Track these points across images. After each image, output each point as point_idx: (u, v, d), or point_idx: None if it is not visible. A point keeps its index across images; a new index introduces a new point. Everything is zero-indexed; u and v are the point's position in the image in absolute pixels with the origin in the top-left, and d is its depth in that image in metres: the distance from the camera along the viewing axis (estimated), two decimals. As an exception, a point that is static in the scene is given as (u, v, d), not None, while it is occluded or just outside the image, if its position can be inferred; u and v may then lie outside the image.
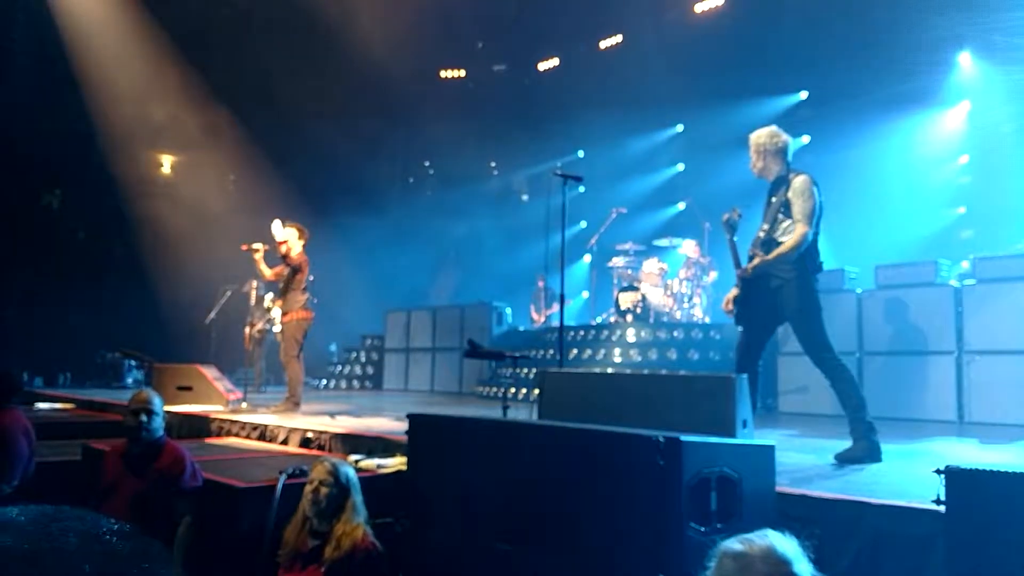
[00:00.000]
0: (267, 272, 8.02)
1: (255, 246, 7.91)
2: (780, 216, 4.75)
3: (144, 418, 4.32)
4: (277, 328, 11.06)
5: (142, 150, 14.34)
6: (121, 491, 4.25)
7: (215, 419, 7.19)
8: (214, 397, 8.15)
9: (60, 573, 0.72)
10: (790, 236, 4.66)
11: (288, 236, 7.71)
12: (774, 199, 4.82)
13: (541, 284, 12.94)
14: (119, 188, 13.89)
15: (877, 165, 10.87)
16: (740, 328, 4.94)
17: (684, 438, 2.89)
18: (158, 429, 4.37)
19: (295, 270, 7.78)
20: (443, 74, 14.96)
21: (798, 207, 4.65)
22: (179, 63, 13.44)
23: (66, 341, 12.62)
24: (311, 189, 14.73)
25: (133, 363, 12.12)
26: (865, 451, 4.35)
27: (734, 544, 1.71)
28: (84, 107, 13.17)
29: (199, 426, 7.27)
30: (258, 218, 14.40)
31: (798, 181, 4.71)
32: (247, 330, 11.40)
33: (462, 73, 14.89)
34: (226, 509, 4.37)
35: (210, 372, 8.44)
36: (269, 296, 11.49)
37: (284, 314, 7.87)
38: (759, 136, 4.94)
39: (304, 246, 7.89)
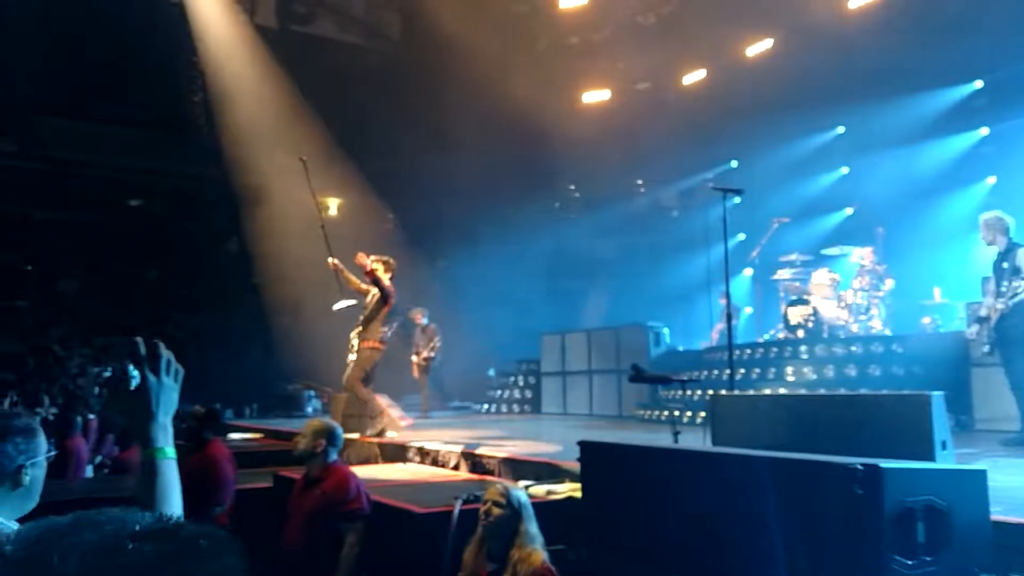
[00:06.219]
0: (354, 280, 7.97)
1: (338, 263, 7.96)
2: (1013, 277, 6.34)
3: (311, 443, 4.57)
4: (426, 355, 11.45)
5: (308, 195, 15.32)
6: (296, 512, 4.52)
7: (389, 445, 7.50)
8: (389, 424, 8.49)
9: None
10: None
11: (376, 267, 7.71)
12: (1005, 264, 6.43)
13: (723, 301, 12.58)
14: (289, 232, 14.91)
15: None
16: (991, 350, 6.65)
17: (884, 465, 2.69)
18: (328, 454, 4.59)
19: (385, 299, 7.75)
20: (586, 98, 15.02)
21: None
22: (324, 109, 14.23)
23: (251, 375, 13.67)
24: (463, 221, 15.22)
25: (312, 394, 12.93)
26: None
27: None
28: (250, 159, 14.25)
29: (374, 451, 7.62)
30: (414, 250, 15.10)
31: (1022, 251, 6.38)
32: (414, 359, 11.89)
33: (605, 95, 14.88)
34: (405, 533, 4.52)
35: (384, 400, 8.80)
36: (432, 326, 11.95)
37: (362, 340, 7.82)
38: (990, 216, 6.65)
39: (391, 279, 7.84)
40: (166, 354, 1.57)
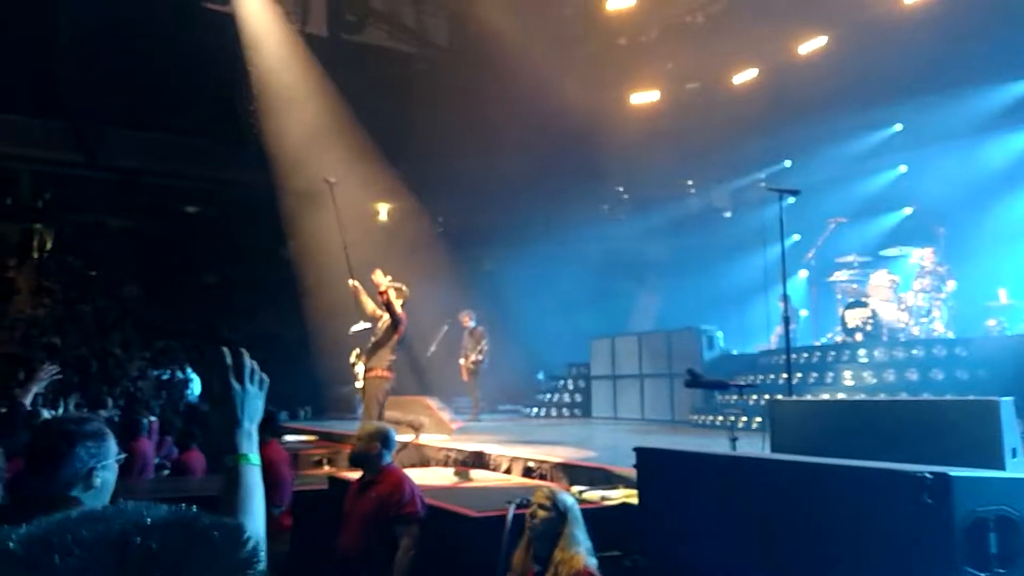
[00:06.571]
0: (369, 304, 7.75)
1: (357, 284, 7.76)
2: None
3: (366, 446, 4.61)
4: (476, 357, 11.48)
5: (362, 200, 15.55)
6: (352, 515, 4.56)
7: (441, 448, 7.55)
8: (439, 427, 8.56)
9: None
10: None
11: (389, 289, 7.40)
12: None
13: (782, 304, 12.39)
14: (340, 235, 15.11)
15: None
16: None
17: (953, 473, 2.61)
18: (382, 457, 4.62)
19: (396, 325, 7.50)
20: (634, 99, 14.92)
21: None
22: (373, 116, 14.35)
23: (305, 378, 13.88)
24: (511, 223, 15.24)
25: (364, 396, 13.07)
26: None
27: None
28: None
29: (427, 455, 7.68)
30: (462, 253, 15.17)
31: None
32: (461, 362, 11.95)
33: (654, 96, 14.75)
34: (460, 537, 4.54)
35: (434, 403, 8.88)
36: (480, 329, 11.99)
37: (368, 370, 7.54)
38: None
39: (403, 304, 7.58)
40: (250, 363, 1.61)
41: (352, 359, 7.76)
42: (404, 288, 7.70)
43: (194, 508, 0.76)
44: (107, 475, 2.06)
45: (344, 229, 8.20)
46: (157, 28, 14.50)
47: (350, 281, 7.82)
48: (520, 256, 14.67)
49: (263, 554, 0.76)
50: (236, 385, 1.58)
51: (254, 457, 1.57)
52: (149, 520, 0.71)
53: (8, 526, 0.71)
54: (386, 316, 7.56)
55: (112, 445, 2.11)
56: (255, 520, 1.49)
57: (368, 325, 7.95)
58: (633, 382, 12.06)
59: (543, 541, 3.70)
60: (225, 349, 1.60)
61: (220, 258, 16.90)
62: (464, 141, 14.66)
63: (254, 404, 1.60)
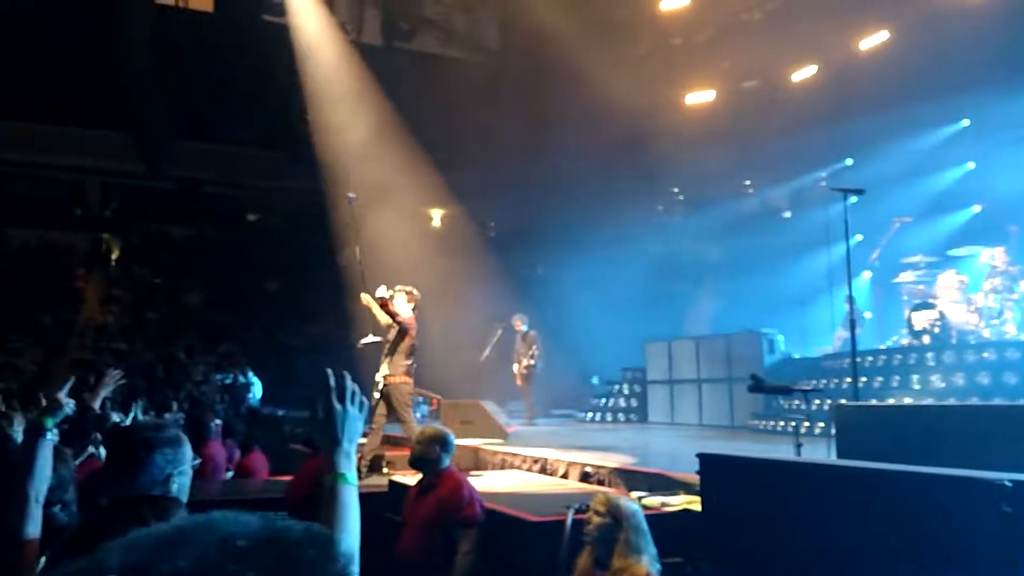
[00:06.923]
0: (382, 318, 7.68)
1: (368, 298, 7.68)
2: None
3: (425, 450, 4.64)
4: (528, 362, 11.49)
5: (416, 206, 15.72)
6: (412, 518, 4.59)
7: (497, 452, 7.56)
8: (495, 431, 8.58)
9: None
10: None
11: (393, 298, 7.42)
12: None
13: (848, 306, 12.12)
14: (397, 241, 15.30)
15: None
16: None
17: (1035, 481, 2.50)
18: (441, 460, 4.64)
19: (403, 332, 7.48)
20: (689, 99, 14.75)
21: None
22: (426, 122, 14.46)
23: (363, 382, 14.06)
24: (564, 226, 15.20)
25: (421, 399, 13.18)
26: None
27: None
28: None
29: (483, 458, 7.70)
30: (514, 256, 15.19)
31: None
32: (516, 367, 11.95)
33: (710, 95, 14.56)
34: (518, 541, 4.54)
35: (490, 407, 8.91)
36: (532, 333, 11.98)
37: (389, 376, 7.55)
38: None
39: (414, 308, 7.59)
40: (351, 385, 1.67)
41: (377, 377, 7.74)
42: (415, 291, 7.73)
43: (280, 517, 0.76)
44: (183, 480, 2.12)
45: (362, 245, 8.27)
46: (217, 42, 14.92)
47: (362, 296, 7.89)
48: (573, 259, 14.62)
49: (355, 567, 0.76)
50: (338, 406, 1.64)
51: (351, 476, 1.62)
52: (240, 543, 0.70)
53: (104, 547, 0.70)
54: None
55: (187, 451, 2.17)
56: (350, 536, 1.54)
57: (378, 338, 7.98)
58: (691, 387, 11.87)
59: (601, 546, 3.67)
60: (329, 371, 1.66)
61: (280, 264, 17.29)
62: (518, 144, 14.69)
63: (354, 425, 1.66)
